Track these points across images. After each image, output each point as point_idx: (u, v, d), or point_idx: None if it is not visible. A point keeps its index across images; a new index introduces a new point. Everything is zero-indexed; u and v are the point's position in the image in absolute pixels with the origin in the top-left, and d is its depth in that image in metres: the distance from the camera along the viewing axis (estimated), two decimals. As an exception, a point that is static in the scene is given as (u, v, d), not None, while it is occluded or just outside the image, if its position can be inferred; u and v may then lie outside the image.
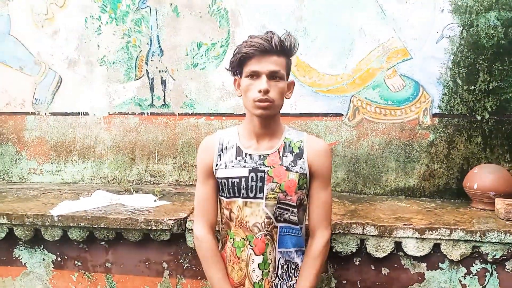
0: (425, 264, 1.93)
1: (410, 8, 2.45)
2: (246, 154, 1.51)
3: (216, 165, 1.54)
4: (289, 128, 1.58)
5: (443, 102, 2.48)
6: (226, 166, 1.52)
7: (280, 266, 1.51)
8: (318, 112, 2.60)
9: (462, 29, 2.42)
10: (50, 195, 2.48)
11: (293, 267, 1.54)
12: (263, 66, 1.40)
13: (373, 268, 1.97)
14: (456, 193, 2.49)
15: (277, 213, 1.49)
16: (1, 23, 2.86)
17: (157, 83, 2.75)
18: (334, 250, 1.92)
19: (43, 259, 2.18)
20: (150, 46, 2.74)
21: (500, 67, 2.40)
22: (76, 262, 2.16)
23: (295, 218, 1.51)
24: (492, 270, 1.89)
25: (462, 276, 1.92)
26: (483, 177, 2.21)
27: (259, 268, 1.49)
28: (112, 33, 2.76)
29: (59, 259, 2.17)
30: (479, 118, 2.45)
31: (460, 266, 1.91)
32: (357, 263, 1.97)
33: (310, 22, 2.55)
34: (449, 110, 2.48)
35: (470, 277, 1.91)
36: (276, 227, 1.50)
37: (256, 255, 1.48)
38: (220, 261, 1.54)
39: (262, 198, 1.47)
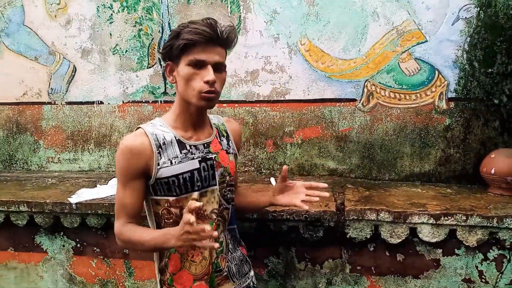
0: (441, 250, 1.93)
1: (425, -10, 2.39)
2: (190, 145, 1.46)
3: (158, 164, 1.41)
4: (208, 114, 1.57)
5: (459, 85, 2.42)
6: (172, 163, 1.42)
7: (230, 241, 1.59)
8: (331, 97, 2.57)
9: (479, 10, 2.35)
10: (68, 183, 2.54)
11: (237, 240, 1.65)
12: (210, 56, 1.35)
13: (387, 254, 1.97)
14: (472, 179, 2.45)
15: (228, 195, 1.54)
16: (15, 13, 2.88)
17: (170, 71, 2.75)
18: (348, 236, 1.92)
19: (63, 246, 2.24)
20: (162, 33, 2.73)
21: (519, 49, 2.34)
22: (95, 248, 2.21)
23: (233, 196, 1.59)
24: (510, 257, 1.88)
25: (478, 262, 1.91)
26: (500, 161, 2.17)
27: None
28: (124, 22, 2.76)
29: (78, 245, 2.23)
30: (496, 101, 2.39)
31: (477, 252, 1.90)
32: (371, 249, 1.98)
33: (322, 6, 2.51)
34: (465, 94, 2.42)
35: (487, 263, 1.90)
36: (228, 208, 1.55)
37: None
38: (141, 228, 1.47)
39: (215, 185, 1.50)
